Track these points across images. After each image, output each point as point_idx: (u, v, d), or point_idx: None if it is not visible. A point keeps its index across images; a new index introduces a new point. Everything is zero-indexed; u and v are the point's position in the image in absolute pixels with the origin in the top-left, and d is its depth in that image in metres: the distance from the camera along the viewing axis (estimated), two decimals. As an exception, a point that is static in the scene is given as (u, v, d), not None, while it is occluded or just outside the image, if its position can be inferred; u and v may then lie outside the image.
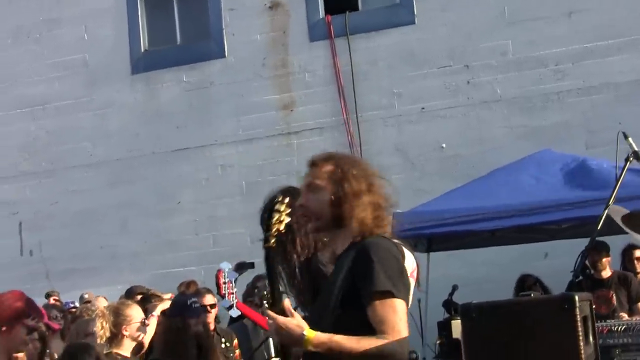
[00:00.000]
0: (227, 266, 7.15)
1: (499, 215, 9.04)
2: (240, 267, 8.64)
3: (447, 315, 9.98)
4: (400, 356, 3.60)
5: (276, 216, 3.69)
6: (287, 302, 3.65)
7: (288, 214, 3.76)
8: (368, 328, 3.61)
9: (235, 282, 7.06)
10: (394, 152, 13.13)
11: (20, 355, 5.25)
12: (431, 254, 10.90)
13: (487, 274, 11.91)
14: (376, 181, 3.96)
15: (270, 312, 3.61)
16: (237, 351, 8.17)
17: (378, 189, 3.95)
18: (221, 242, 13.60)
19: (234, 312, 7.28)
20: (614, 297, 9.06)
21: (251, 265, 8.81)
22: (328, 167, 3.88)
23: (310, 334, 3.56)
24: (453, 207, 9.33)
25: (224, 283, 6.67)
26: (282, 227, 3.72)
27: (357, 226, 3.83)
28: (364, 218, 3.82)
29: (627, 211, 4.94)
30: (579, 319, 2.99)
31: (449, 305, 9.98)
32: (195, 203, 14.05)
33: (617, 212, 5.23)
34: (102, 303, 8.51)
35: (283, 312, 3.62)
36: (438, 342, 9.77)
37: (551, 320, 3.00)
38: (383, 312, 3.60)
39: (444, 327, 9.70)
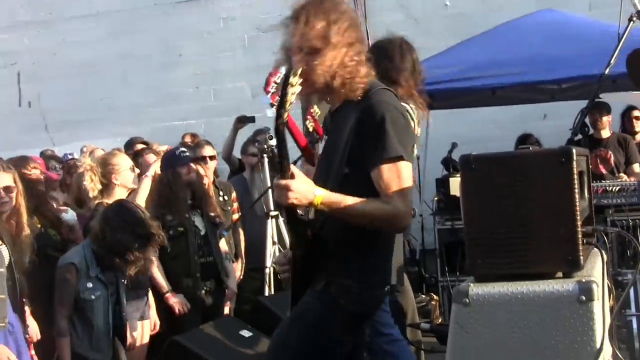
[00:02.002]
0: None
1: (500, 72, 9.00)
2: (241, 121, 8.69)
3: (445, 172, 10.06)
4: (404, 221, 3.67)
5: (290, 90, 3.52)
6: (293, 168, 3.61)
7: (300, 84, 3.66)
8: (373, 190, 3.62)
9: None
10: (397, 9, 13.00)
11: None
12: (432, 111, 10.90)
13: (486, 132, 11.97)
14: (363, 40, 3.90)
15: (280, 181, 3.54)
16: (235, 204, 8.27)
17: (361, 34, 3.89)
18: (222, 95, 13.61)
19: (270, 112, 7.23)
20: (612, 157, 9.11)
21: (252, 119, 8.86)
22: (319, 25, 3.72)
23: (320, 192, 3.54)
24: (455, 62, 9.27)
25: (275, 82, 6.61)
26: (294, 98, 3.62)
27: (351, 82, 3.75)
28: (356, 72, 3.75)
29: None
30: (575, 173, 3.02)
31: (447, 162, 10.05)
32: (197, 56, 13.98)
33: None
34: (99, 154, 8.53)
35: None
36: (436, 198, 9.86)
37: (548, 173, 3.03)
38: (391, 176, 3.60)
39: (442, 184, 9.78)
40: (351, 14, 3.91)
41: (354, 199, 3.57)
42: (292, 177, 3.57)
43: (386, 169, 3.60)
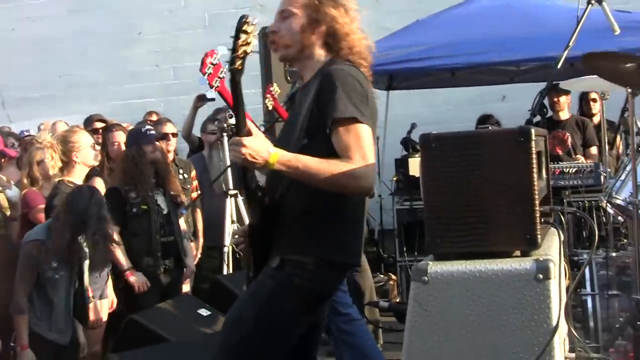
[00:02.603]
0: (222, 50, 7.01)
1: (459, 52, 9.03)
2: (201, 99, 8.65)
3: (404, 152, 10.10)
4: (366, 181, 3.56)
5: (243, 37, 3.51)
6: (251, 123, 3.60)
7: (255, 36, 3.67)
8: (334, 156, 3.55)
9: (226, 69, 6.91)
10: (359, -11, 12.97)
11: None
12: (391, 92, 10.95)
13: (445, 113, 12.04)
14: (353, 10, 3.88)
15: (234, 139, 3.54)
16: (195, 182, 8.25)
17: (353, 15, 3.87)
18: (182, 74, 13.53)
19: (210, 94, 7.21)
20: (570, 139, 9.18)
21: (212, 97, 8.80)
22: None
23: (276, 151, 3.49)
24: (414, 43, 9.28)
25: (212, 63, 6.60)
26: (249, 49, 3.59)
27: (326, 54, 3.81)
28: (335, 45, 3.79)
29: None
30: (534, 153, 3.05)
31: (407, 142, 10.09)
32: (157, 34, 13.90)
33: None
34: (62, 128, 8.47)
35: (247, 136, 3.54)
36: (394, 179, 9.90)
37: (507, 153, 3.06)
38: (348, 138, 3.54)
39: (401, 165, 9.82)
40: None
41: (311, 158, 3.52)
42: (249, 133, 3.55)
43: (343, 131, 3.55)
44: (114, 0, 14.00)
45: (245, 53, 3.56)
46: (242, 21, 3.54)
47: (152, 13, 13.88)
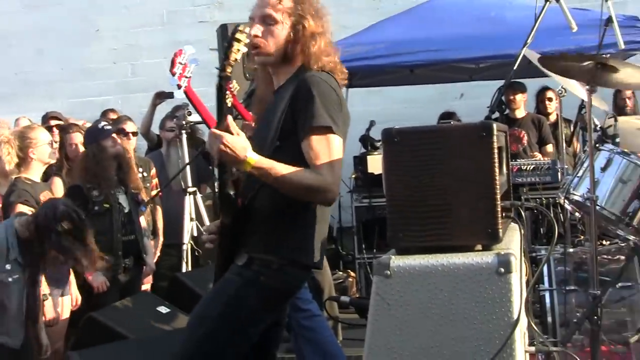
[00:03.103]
0: (190, 49, 7.01)
1: (418, 50, 9.06)
2: (160, 97, 8.61)
3: (363, 150, 10.11)
4: (331, 194, 3.67)
5: (236, 45, 3.62)
6: (231, 120, 3.62)
7: (246, 45, 3.71)
8: (303, 162, 3.64)
9: (192, 68, 6.90)
10: (318, -13, 12.98)
11: None
12: (350, 89, 10.96)
13: (404, 111, 12.07)
14: (327, 20, 3.95)
15: (215, 130, 3.58)
16: (155, 180, 8.23)
17: (329, 28, 3.94)
18: (140, 71, 13.47)
19: (177, 94, 7.21)
20: (525, 137, 9.26)
21: (170, 94, 8.76)
22: (288, 3, 3.83)
23: (252, 156, 3.55)
24: (374, 41, 9.31)
25: (180, 63, 6.56)
26: (239, 56, 3.66)
27: (306, 63, 3.85)
28: (314, 57, 3.82)
29: (539, 55, 5.01)
30: (495, 147, 3.07)
31: (365, 140, 10.09)
32: (114, 31, 13.80)
33: (531, 55, 5.31)
34: (24, 124, 8.39)
35: (227, 132, 3.58)
36: (353, 176, 9.91)
37: (469, 147, 3.09)
38: (319, 147, 3.63)
39: (360, 162, 9.83)
40: (318, 4, 3.97)
41: (285, 166, 3.59)
42: (229, 131, 3.58)
43: (316, 140, 3.63)
44: (72, -3, 13.90)
45: (235, 60, 3.65)
46: (236, 29, 3.67)
47: (110, 9, 13.78)
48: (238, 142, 3.56)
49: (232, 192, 3.77)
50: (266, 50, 3.84)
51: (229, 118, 3.61)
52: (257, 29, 3.83)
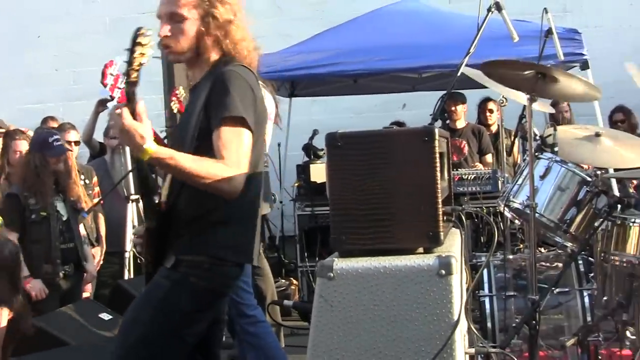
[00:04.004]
0: (121, 60, 6.97)
1: (362, 59, 9.14)
2: (102, 104, 8.57)
3: (306, 159, 10.16)
4: (232, 184, 3.56)
5: (138, 49, 3.52)
6: (142, 106, 3.55)
7: (151, 46, 3.68)
8: None
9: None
10: (261, -4, 13.05)
11: None
12: (294, 99, 11.02)
13: (347, 121, 12.14)
14: (241, 11, 3.88)
15: (122, 109, 3.49)
16: (97, 188, 8.18)
17: (243, 19, 3.88)
18: (82, 78, 13.38)
19: (111, 104, 7.19)
20: (466, 147, 9.38)
21: (112, 99, 8.73)
22: None
23: (151, 146, 3.47)
24: (318, 50, 9.37)
25: (111, 74, 6.54)
26: (144, 60, 3.57)
27: (220, 56, 3.81)
28: (227, 49, 3.79)
29: (477, 71, 5.09)
30: (437, 152, 3.13)
31: (308, 149, 10.14)
32: (56, 38, 13.70)
33: (470, 72, 5.41)
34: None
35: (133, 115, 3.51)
36: (296, 184, 9.94)
37: (411, 151, 3.14)
38: (229, 137, 3.56)
39: (303, 171, 9.86)
40: None
41: (185, 155, 3.53)
42: (137, 117, 3.52)
43: (226, 130, 3.56)
44: (12, 2, 13.75)
45: (141, 65, 3.56)
46: (137, 33, 3.56)
47: (52, 16, 13.67)
48: (139, 128, 3.47)
49: (154, 197, 3.76)
50: (177, 49, 3.78)
51: (141, 103, 3.54)
52: (165, 29, 3.77)
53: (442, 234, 3.17)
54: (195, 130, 3.68)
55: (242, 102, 3.61)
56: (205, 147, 3.62)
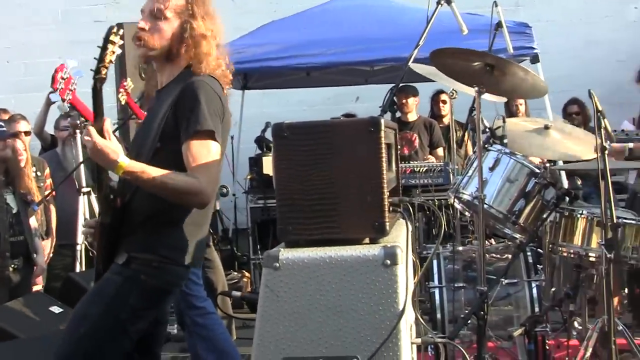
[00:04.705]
0: (73, 63, 6.91)
1: (314, 52, 9.15)
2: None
3: (258, 151, 10.16)
4: (205, 197, 3.65)
5: (110, 47, 3.61)
6: (108, 123, 3.62)
7: (121, 46, 3.69)
8: (182, 167, 3.63)
9: (76, 79, 6.81)
10: (214, -12, 12.99)
11: None
12: (246, 91, 11.01)
13: (300, 113, 12.16)
14: (219, 23, 3.96)
15: (90, 129, 3.56)
16: (49, 180, 8.12)
17: (219, 31, 3.95)
18: (34, 70, 13.25)
19: (63, 108, 7.14)
20: (417, 140, 9.43)
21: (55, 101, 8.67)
22: (179, 1, 3.85)
23: (124, 161, 3.54)
24: (270, 42, 9.36)
25: (62, 78, 6.50)
26: (114, 57, 3.64)
27: (188, 65, 3.86)
28: (200, 59, 3.83)
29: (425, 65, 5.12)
30: (383, 142, 3.15)
31: (261, 141, 10.15)
32: (8, 29, 13.56)
33: (418, 67, 5.44)
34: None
35: (100, 134, 3.57)
36: (249, 177, 9.94)
37: (357, 142, 3.15)
38: (199, 151, 3.62)
39: (255, 163, 9.87)
40: (210, 7, 3.97)
41: (158, 170, 3.58)
42: (104, 134, 3.58)
43: (197, 144, 3.63)
44: (-41, -6, 13.62)
45: (111, 62, 3.65)
46: (110, 31, 3.65)
47: (2, 7, 13.53)
48: (109, 146, 3.55)
49: (110, 193, 3.78)
50: (149, 44, 3.83)
51: (107, 121, 3.61)
52: (144, 23, 3.84)
53: (387, 224, 3.19)
54: (158, 133, 3.73)
55: (211, 114, 3.66)
56: (166, 150, 3.70)
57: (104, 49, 3.61)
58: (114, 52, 3.63)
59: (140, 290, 3.75)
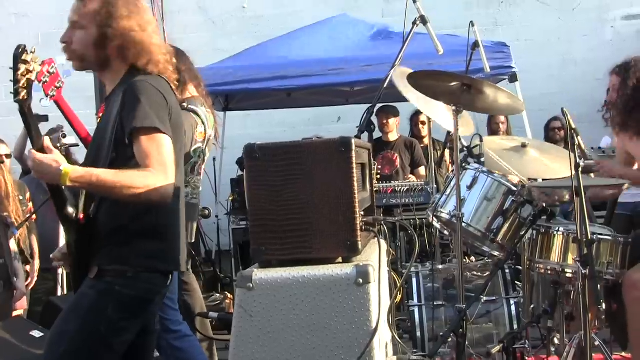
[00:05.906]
0: (62, 60, 6.85)
1: (295, 73, 9.19)
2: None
3: (240, 172, 10.16)
4: (165, 190, 3.57)
5: (22, 67, 3.52)
6: (47, 140, 3.54)
7: (38, 63, 3.62)
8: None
9: (64, 78, 6.78)
10: (196, 11, 13.04)
11: None
12: (228, 113, 11.03)
13: (281, 134, 12.19)
14: (150, 23, 3.86)
15: (31, 151, 3.50)
16: (30, 204, 8.11)
17: (151, 28, 3.85)
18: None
19: (45, 103, 7.09)
20: (398, 159, 9.46)
21: (45, 118, 8.63)
22: (93, 6, 3.76)
23: (67, 168, 3.45)
24: (250, 64, 9.40)
25: (49, 72, 6.48)
26: (33, 76, 3.57)
27: (126, 66, 3.79)
28: (132, 58, 3.77)
29: (411, 70, 5.12)
30: (354, 162, 3.17)
31: (242, 163, 10.14)
32: (-13, 52, 13.56)
33: (402, 73, 5.44)
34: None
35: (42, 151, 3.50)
36: (231, 198, 9.95)
37: (328, 162, 3.17)
38: (148, 146, 3.55)
39: (237, 184, 9.86)
40: (135, 4, 3.87)
41: (106, 170, 3.52)
42: (43, 150, 3.51)
43: (144, 140, 3.56)
44: (-60, 18, 13.61)
45: (30, 81, 3.56)
46: (19, 51, 3.55)
47: (-18, 32, 13.55)
48: (49, 157, 3.48)
49: (71, 210, 3.68)
50: (75, 56, 3.79)
51: (46, 139, 3.54)
52: (64, 35, 3.80)
53: (360, 243, 3.21)
54: (111, 143, 3.64)
55: (153, 109, 3.59)
56: (122, 158, 3.62)
57: (15, 70, 3.52)
58: (29, 71, 3.54)
59: (117, 302, 3.65)
